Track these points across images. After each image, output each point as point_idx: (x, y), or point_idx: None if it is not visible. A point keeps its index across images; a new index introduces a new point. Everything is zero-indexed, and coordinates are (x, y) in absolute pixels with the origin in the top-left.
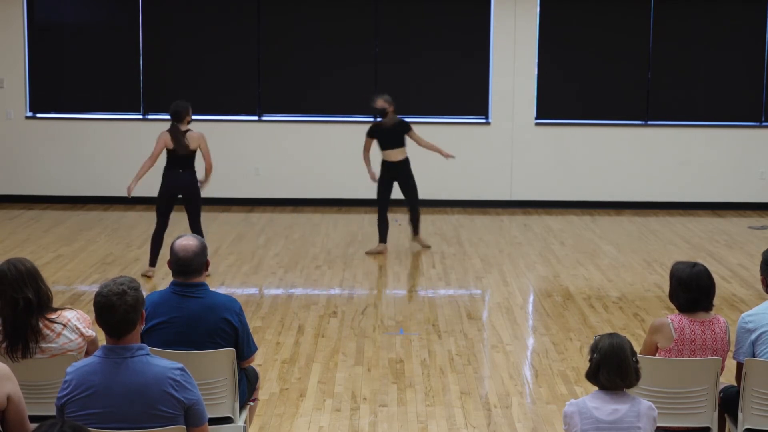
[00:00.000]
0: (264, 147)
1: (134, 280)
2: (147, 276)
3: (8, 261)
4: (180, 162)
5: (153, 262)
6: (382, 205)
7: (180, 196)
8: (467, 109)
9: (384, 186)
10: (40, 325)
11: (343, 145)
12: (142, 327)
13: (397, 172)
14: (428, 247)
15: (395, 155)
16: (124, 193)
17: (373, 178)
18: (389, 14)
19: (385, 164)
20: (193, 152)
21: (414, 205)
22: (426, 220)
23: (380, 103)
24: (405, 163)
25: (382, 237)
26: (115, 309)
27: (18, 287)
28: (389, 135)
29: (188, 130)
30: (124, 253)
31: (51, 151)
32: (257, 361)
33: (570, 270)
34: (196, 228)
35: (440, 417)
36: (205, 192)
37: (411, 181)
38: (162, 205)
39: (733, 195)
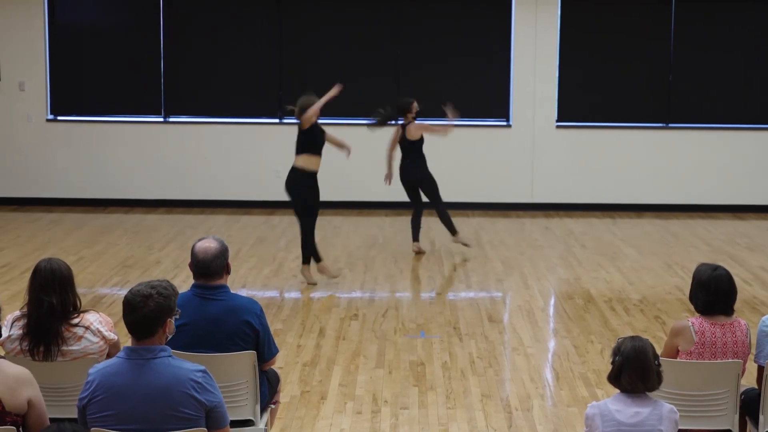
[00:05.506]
0: (285, 149)
1: (170, 287)
2: (416, 252)
3: (49, 260)
4: (406, 152)
5: (414, 237)
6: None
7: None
8: (488, 112)
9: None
10: (62, 329)
11: (365, 148)
12: (169, 336)
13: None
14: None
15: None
16: (145, 196)
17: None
18: (411, 18)
19: None
20: (416, 141)
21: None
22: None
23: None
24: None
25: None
26: (136, 311)
27: (46, 289)
28: None
29: (410, 122)
30: (145, 255)
31: (72, 154)
32: (278, 364)
33: (591, 272)
34: (437, 205)
35: (461, 420)
36: (226, 194)
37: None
38: (407, 193)
39: (755, 197)
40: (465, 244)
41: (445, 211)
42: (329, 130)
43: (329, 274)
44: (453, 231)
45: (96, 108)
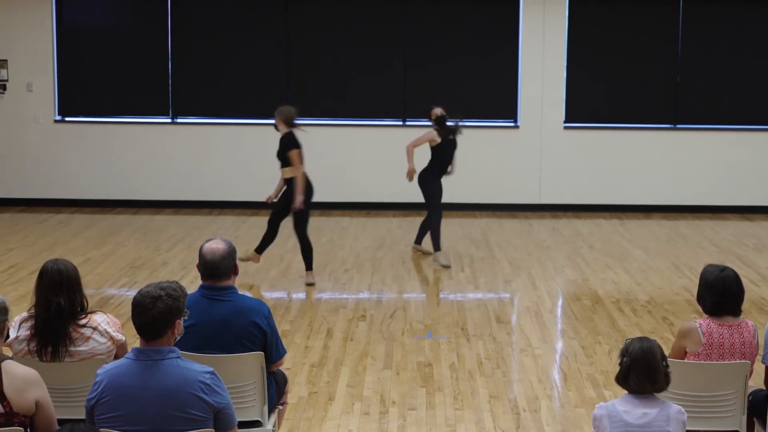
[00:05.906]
0: None
1: (179, 289)
2: (414, 252)
3: (56, 260)
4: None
5: (416, 239)
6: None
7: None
8: (496, 113)
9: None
10: (70, 329)
11: (372, 149)
12: (177, 337)
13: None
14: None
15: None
16: (153, 197)
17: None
18: (418, 19)
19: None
20: (431, 148)
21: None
22: (455, 223)
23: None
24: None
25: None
26: (145, 312)
27: (53, 290)
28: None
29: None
30: (152, 256)
31: (80, 155)
32: (286, 365)
33: (599, 274)
34: (428, 215)
35: (469, 421)
36: (233, 195)
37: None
38: None
39: (763, 198)
40: (443, 265)
41: (435, 224)
42: (338, 130)
43: (247, 258)
44: (436, 247)
45: (104, 109)
